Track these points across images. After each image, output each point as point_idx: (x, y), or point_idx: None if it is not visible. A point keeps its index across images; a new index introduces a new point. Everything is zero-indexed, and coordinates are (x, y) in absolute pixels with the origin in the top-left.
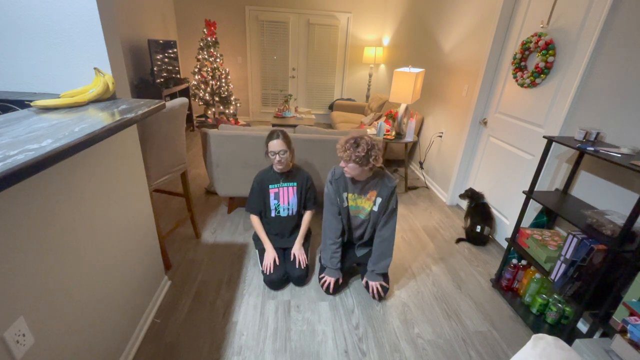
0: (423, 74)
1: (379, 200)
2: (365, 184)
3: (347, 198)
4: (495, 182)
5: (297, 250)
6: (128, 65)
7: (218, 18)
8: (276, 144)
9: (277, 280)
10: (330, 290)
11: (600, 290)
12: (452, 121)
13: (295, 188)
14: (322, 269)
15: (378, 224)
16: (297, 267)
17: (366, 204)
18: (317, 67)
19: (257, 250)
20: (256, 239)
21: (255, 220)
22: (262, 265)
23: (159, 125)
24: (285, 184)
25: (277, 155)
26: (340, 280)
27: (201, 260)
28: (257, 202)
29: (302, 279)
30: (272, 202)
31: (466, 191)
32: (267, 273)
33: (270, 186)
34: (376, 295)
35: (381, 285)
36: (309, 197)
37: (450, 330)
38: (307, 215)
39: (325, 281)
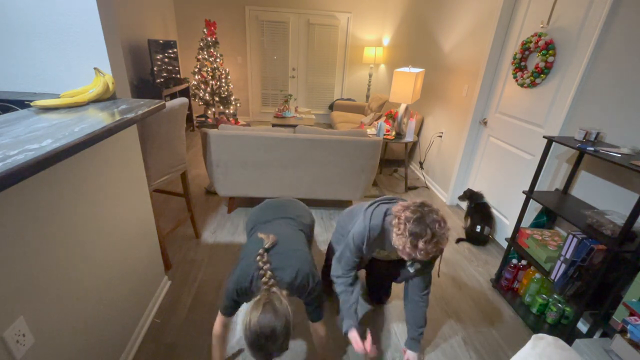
0: (423, 74)
1: (416, 264)
2: None
3: (375, 254)
4: (495, 182)
5: None
6: (128, 65)
7: (218, 18)
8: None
9: None
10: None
11: (600, 290)
12: (452, 121)
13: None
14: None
15: (412, 282)
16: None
17: (394, 257)
18: (317, 67)
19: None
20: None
21: (217, 328)
22: None
23: (158, 125)
24: None
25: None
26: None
27: (201, 260)
28: (234, 308)
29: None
30: None
31: (465, 192)
32: None
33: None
34: None
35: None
36: (314, 310)
37: (450, 330)
38: (318, 332)
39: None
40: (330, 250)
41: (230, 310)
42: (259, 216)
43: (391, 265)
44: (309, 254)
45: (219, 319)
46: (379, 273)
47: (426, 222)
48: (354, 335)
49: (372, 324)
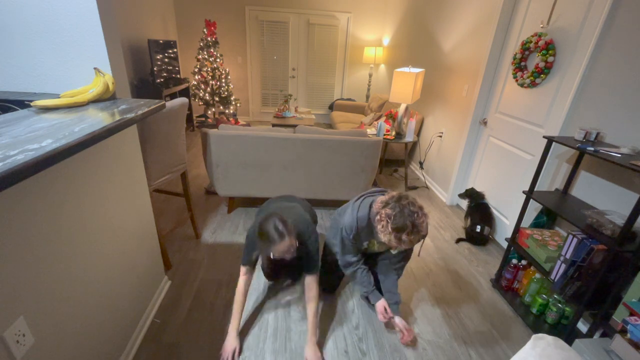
0: (423, 74)
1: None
2: None
3: (367, 244)
4: (495, 182)
5: (312, 355)
6: (128, 65)
7: (218, 18)
8: (284, 246)
9: (272, 274)
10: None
11: (600, 290)
12: (452, 121)
13: (294, 266)
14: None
15: (392, 260)
16: (294, 275)
17: (382, 248)
18: (317, 67)
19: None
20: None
21: (241, 283)
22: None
23: (158, 125)
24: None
25: (287, 254)
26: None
27: (201, 260)
28: (250, 256)
29: (296, 277)
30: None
31: (467, 190)
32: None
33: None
34: (409, 340)
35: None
36: (307, 264)
37: (450, 330)
38: (311, 287)
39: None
40: (327, 248)
41: (248, 258)
42: (265, 206)
43: (376, 255)
44: (307, 214)
45: (242, 275)
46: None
47: (405, 215)
48: (382, 306)
49: (372, 323)
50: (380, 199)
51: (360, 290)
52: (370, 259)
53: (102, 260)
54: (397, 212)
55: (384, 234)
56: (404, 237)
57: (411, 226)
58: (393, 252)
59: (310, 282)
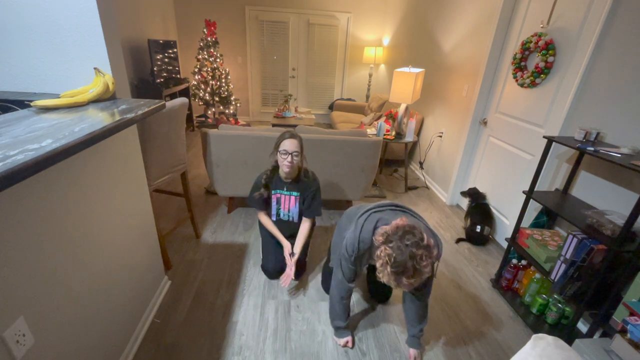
0: (423, 74)
1: None
2: None
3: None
4: (495, 182)
5: (290, 261)
6: (128, 65)
7: (218, 18)
8: (291, 144)
9: (272, 271)
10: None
11: (600, 290)
12: (452, 121)
13: (297, 198)
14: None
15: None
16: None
17: None
18: (317, 67)
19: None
20: (264, 231)
21: (262, 217)
22: (262, 255)
23: (158, 125)
24: (288, 193)
25: (290, 156)
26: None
27: (201, 260)
28: (260, 200)
29: (299, 272)
30: (274, 206)
31: (469, 189)
32: (267, 257)
33: (273, 191)
34: None
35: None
36: (311, 205)
37: (450, 330)
38: (305, 226)
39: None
40: (330, 250)
41: (261, 204)
42: None
43: None
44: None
45: (260, 214)
46: None
47: (407, 258)
48: (343, 341)
49: (372, 323)
50: (383, 229)
51: (331, 322)
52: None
53: (102, 260)
54: (397, 253)
55: (383, 274)
56: (404, 280)
57: (412, 271)
58: None
59: (305, 222)
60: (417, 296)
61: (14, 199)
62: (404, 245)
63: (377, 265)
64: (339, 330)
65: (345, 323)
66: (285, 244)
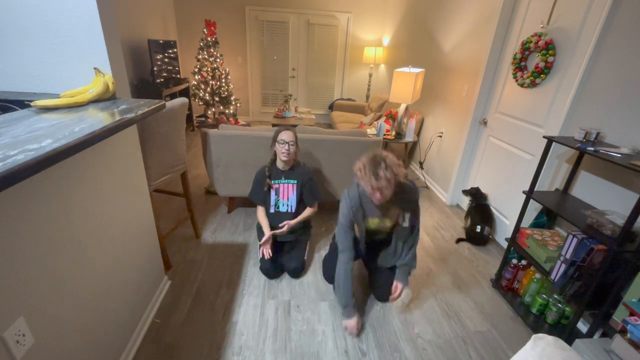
0: (423, 74)
1: (407, 215)
2: (386, 204)
3: (368, 223)
4: (495, 182)
5: (287, 225)
6: (128, 65)
7: (218, 18)
8: (288, 134)
9: (271, 270)
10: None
11: (600, 290)
12: (452, 121)
13: (295, 185)
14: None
15: (407, 239)
16: (292, 259)
17: (388, 222)
18: (317, 67)
19: (258, 244)
20: (260, 231)
21: (260, 211)
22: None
23: (158, 125)
24: (286, 181)
25: (287, 144)
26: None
27: (201, 260)
28: (261, 193)
29: (297, 271)
30: (273, 197)
31: (471, 188)
32: (264, 258)
33: (272, 181)
34: (398, 299)
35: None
36: (309, 193)
37: (450, 330)
38: (307, 210)
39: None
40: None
41: (261, 196)
42: None
43: (386, 242)
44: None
45: (259, 209)
46: (382, 265)
47: (377, 159)
48: (354, 322)
49: (372, 323)
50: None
51: (338, 301)
52: (372, 251)
53: (102, 260)
54: (370, 158)
55: (366, 181)
56: (380, 172)
57: (384, 164)
58: (403, 224)
59: (308, 209)
60: (410, 240)
61: (13, 199)
62: (373, 154)
63: (363, 183)
64: (347, 309)
65: (352, 300)
66: (267, 231)
